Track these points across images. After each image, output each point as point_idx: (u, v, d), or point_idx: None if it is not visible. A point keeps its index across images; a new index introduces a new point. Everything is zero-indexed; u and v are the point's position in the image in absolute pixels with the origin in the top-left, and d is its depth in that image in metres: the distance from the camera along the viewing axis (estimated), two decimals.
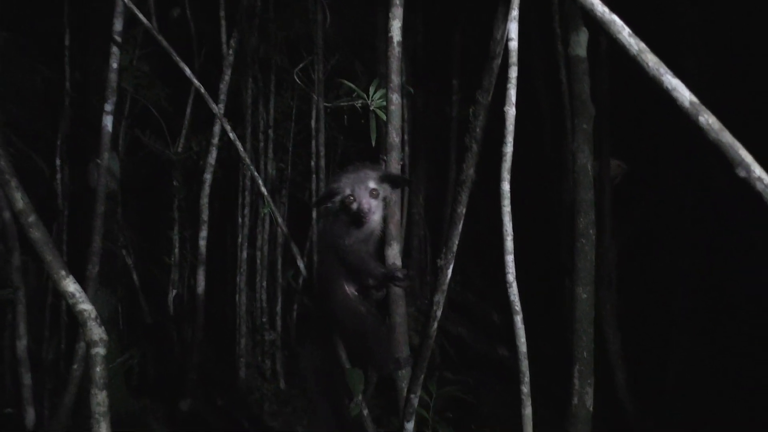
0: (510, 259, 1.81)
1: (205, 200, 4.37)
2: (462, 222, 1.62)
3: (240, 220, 5.33)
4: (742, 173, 1.03)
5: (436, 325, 1.77)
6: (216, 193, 4.64)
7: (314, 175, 5.13)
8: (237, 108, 5.21)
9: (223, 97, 4.23)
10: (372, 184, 2.18)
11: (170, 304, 4.95)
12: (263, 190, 3.12)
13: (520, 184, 2.23)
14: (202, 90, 2.93)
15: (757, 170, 1.03)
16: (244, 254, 5.26)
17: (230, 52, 4.30)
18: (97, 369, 1.51)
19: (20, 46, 4.01)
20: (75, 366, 3.00)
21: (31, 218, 1.43)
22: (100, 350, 1.51)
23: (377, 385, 4.17)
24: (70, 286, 1.48)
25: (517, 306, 1.80)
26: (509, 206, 1.80)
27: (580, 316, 2.66)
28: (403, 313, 2.36)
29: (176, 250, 5.07)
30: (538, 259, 4.72)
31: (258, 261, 5.37)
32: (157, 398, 4.71)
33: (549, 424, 2.57)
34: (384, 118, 3.05)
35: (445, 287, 1.70)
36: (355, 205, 2.17)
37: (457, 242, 1.66)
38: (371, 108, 3.19)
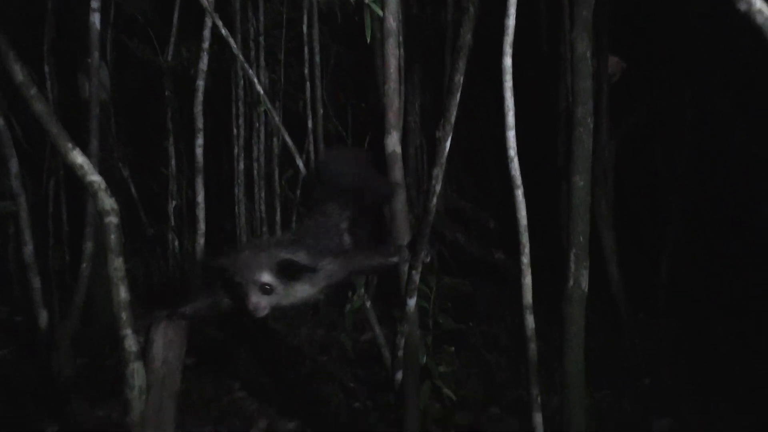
0: (511, 134, 1.83)
1: (198, 108, 4.30)
2: (460, 92, 1.61)
3: (235, 131, 5.29)
4: (742, 6, 1.01)
5: (435, 200, 1.80)
6: (209, 107, 4.58)
7: (308, 83, 5.05)
8: (225, 17, 5.05)
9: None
10: (265, 277, 1.84)
11: (170, 214, 5.00)
12: (259, 88, 3.09)
13: (517, 82, 2.07)
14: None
15: (758, 2, 1.01)
16: (241, 166, 5.26)
17: None
18: (112, 236, 1.55)
19: None
20: (84, 265, 3.07)
21: (33, 91, 1.43)
22: (112, 219, 1.54)
23: (378, 285, 4.31)
24: (78, 158, 1.49)
25: (518, 181, 1.84)
26: (511, 81, 1.80)
27: (577, 203, 2.70)
28: (403, 200, 2.40)
29: (173, 161, 5.06)
30: (536, 158, 4.75)
31: (255, 172, 5.38)
32: (162, 306, 4.85)
33: (545, 306, 2.67)
34: (379, 12, 2.97)
35: (443, 160, 1.72)
36: (242, 295, 1.86)
37: (455, 113, 1.67)
38: (366, 1, 3.10)
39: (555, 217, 4.80)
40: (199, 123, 4.48)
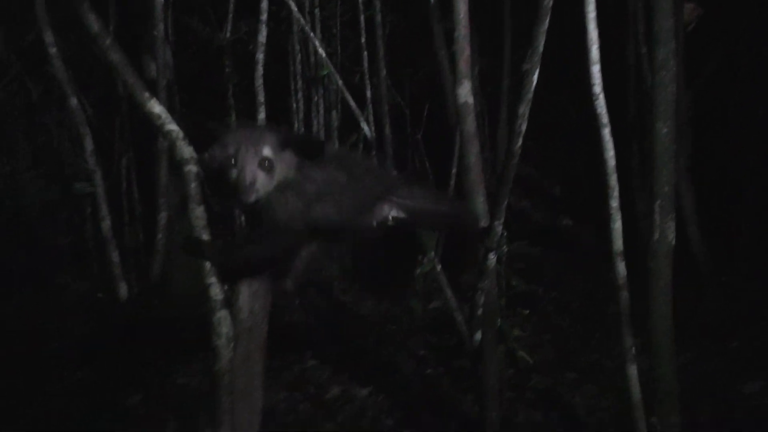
0: (596, 69, 1.72)
1: (259, 81, 4.31)
2: (549, 17, 1.51)
3: (294, 105, 5.31)
4: None
5: (520, 141, 1.72)
6: (267, 84, 4.60)
7: (365, 53, 4.99)
8: None
9: None
10: (266, 151, 1.65)
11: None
12: (321, 51, 3.04)
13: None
14: None
15: None
16: None
17: None
18: (192, 185, 1.56)
19: None
20: (159, 235, 3.15)
21: (108, 41, 1.43)
22: (191, 167, 1.55)
23: (446, 245, 4.24)
24: (156, 107, 1.50)
25: (605, 119, 1.73)
26: (594, 12, 1.69)
27: (661, 150, 2.55)
28: (477, 153, 2.31)
29: None
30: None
31: None
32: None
33: (630, 259, 2.54)
34: None
35: (530, 96, 1.63)
36: (234, 172, 1.63)
37: (543, 43, 1.57)
38: None
39: (626, 173, 4.57)
40: (260, 97, 4.50)
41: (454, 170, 4.48)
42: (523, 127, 1.68)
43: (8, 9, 3.72)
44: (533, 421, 3.00)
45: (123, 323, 3.85)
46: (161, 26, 3.04)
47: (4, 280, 4.24)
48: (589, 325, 4.01)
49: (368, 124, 3.05)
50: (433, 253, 3.28)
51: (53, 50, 3.17)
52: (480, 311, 2.24)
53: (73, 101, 3.36)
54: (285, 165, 1.70)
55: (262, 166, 1.65)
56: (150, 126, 1.62)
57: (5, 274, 4.25)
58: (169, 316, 3.88)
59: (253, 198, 1.64)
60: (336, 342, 4.07)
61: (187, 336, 3.71)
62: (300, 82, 5.45)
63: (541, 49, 1.57)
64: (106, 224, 3.52)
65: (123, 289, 3.62)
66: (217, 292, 1.55)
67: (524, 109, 1.64)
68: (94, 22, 1.42)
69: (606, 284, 2.05)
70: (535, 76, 1.59)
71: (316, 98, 5.39)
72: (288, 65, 5.36)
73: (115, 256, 3.52)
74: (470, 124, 2.24)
